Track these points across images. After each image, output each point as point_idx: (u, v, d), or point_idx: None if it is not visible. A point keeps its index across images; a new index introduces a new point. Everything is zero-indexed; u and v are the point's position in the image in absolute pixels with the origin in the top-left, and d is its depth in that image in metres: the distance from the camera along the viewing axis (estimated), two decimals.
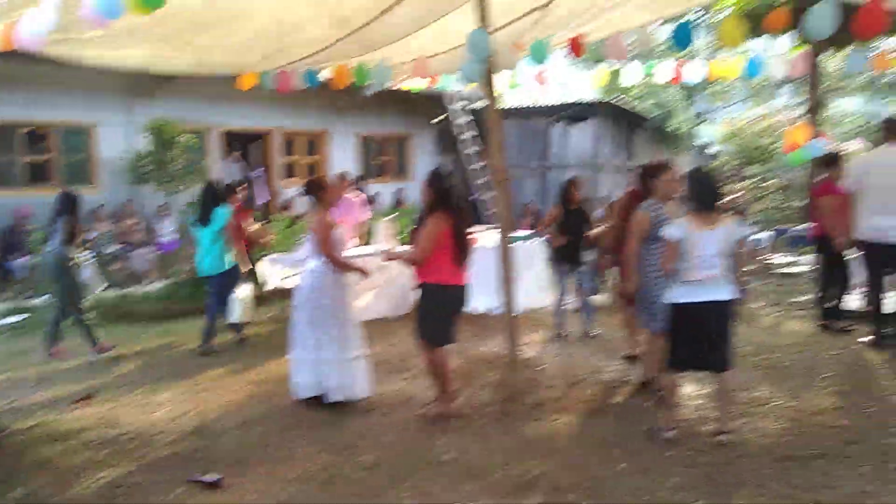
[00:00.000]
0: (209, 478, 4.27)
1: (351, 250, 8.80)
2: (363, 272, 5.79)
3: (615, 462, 4.42)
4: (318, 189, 5.80)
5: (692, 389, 5.86)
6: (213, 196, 7.78)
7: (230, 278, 7.78)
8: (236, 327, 7.97)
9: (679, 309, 4.73)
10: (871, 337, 7.03)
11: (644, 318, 5.64)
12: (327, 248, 5.53)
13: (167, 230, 13.13)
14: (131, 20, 5.52)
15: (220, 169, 14.49)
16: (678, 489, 4.01)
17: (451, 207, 5.23)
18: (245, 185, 9.74)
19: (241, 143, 15.58)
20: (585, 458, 4.51)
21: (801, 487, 3.99)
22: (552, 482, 4.15)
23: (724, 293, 4.66)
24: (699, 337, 4.69)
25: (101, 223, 12.37)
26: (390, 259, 5.88)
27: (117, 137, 13.10)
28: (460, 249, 5.23)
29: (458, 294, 5.31)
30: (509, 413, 5.39)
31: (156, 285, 11.42)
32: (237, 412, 5.63)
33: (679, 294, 4.72)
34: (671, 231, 4.68)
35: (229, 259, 7.77)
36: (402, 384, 6.26)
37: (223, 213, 7.68)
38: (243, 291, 7.89)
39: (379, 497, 4.03)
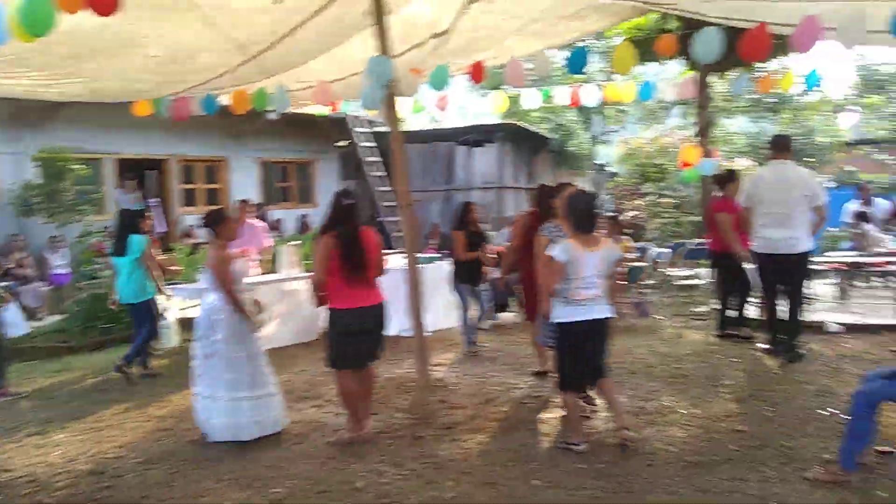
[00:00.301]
0: None
1: (255, 278, 8.62)
2: (251, 317, 5.51)
3: (529, 477, 4.43)
4: (217, 222, 5.59)
5: (602, 402, 5.96)
6: (128, 225, 7.68)
7: (154, 306, 7.74)
8: (144, 361, 7.78)
9: (564, 328, 4.87)
10: (767, 345, 7.32)
11: (549, 336, 5.64)
12: (225, 284, 5.38)
13: (59, 263, 12.56)
14: (16, 46, 5.30)
15: (116, 198, 14.01)
16: (592, 501, 4.05)
17: (339, 229, 5.15)
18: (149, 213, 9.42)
19: (138, 172, 15.08)
20: (500, 475, 4.50)
21: (709, 492, 4.09)
22: (468, 502, 4.13)
23: (603, 312, 4.86)
24: (583, 354, 4.89)
25: None
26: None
27: (4, 167, 12.47)
28: (350, 270, 5.10)
29: (356, 317, 5.18)
30: (422, 436, 5.34)
31: (50, 320, 10.91)
32: (138, 450, 5.37)
33: (564, 314, 4.85)
34: (558, 253, 4.77)
35: (151, 287, 7.66)
36: (311, 412, 6.13)
37: (139, 241, 7.57)
38: (172, 316, 7.90)
39: None
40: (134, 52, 6.44)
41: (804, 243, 6.91)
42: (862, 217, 10.94)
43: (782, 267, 6.98)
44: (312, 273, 5.30)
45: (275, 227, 16.09)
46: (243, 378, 5.36)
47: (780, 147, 7.24)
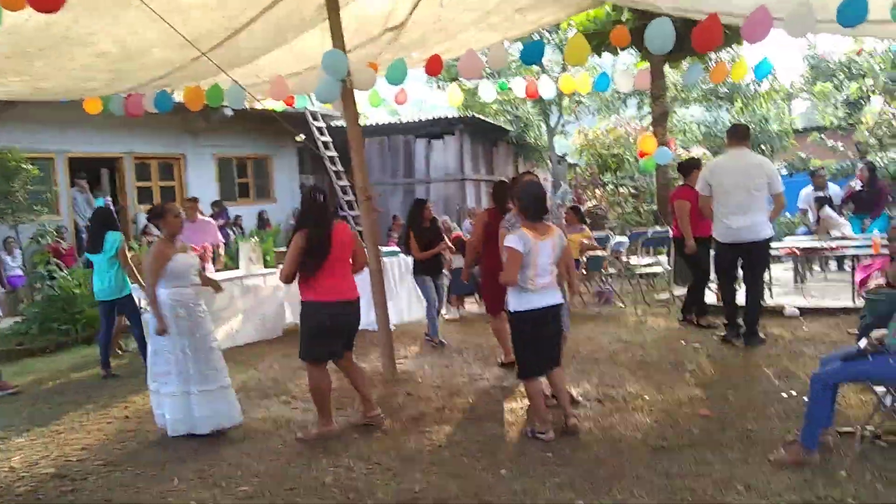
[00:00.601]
0: None
1: (216, 275, 8.52)
2: (158, 321, 5.37)
3: (497, 467, 4.45)
4: (157, 216, 5.66)
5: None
6: (104, 222, 7.69)
7: (131, 301, 7.73)
8: (106, 365, 7.73)
9: (523, 316, 4.90)
10: (726, 332, 7.42)
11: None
12: (147, 278, 5.39)
13: (14, 265, 12.28)
14: None
15: (70, 197, 13.77)
16: (560, 488, 4.08)
17: (309, 225, 5.12)
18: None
19: (92, 170, 14.81)
20: (468, 466, 4.51)
21: (675, 476, 4.15)
22: (437, 494, 4.13)
23: (557, 298, 4.95)
24: (542, 341, 4.95)
25: None
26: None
27: None
28: (311, 265, 5.08)
29: (329, 310, 5.17)
30: (390, 429, 5.34)
31: (6, 323, 10.67)
32: (101, 452, 5.28)
33: (521, 302, 4.88)
34: (515, 243, 4.79)
35: (128, 284, 7.68)
36: (277, 408, 6.08)
37: (115, 238, 7.55)
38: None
39: None
40: (83, 49, 6.32)
41: (766, 230, 7.03)
42: (824, 201, 11.17)
43: (745, 254, 7.09)
44: (284, 268, 5.18)
45: (235, 223, 15.93)
46: (190, 372, 5.35)
47: (739, 135, 7.31)
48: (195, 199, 10.20)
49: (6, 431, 5.93)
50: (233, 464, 4.83)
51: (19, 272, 12.15)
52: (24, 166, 11.02)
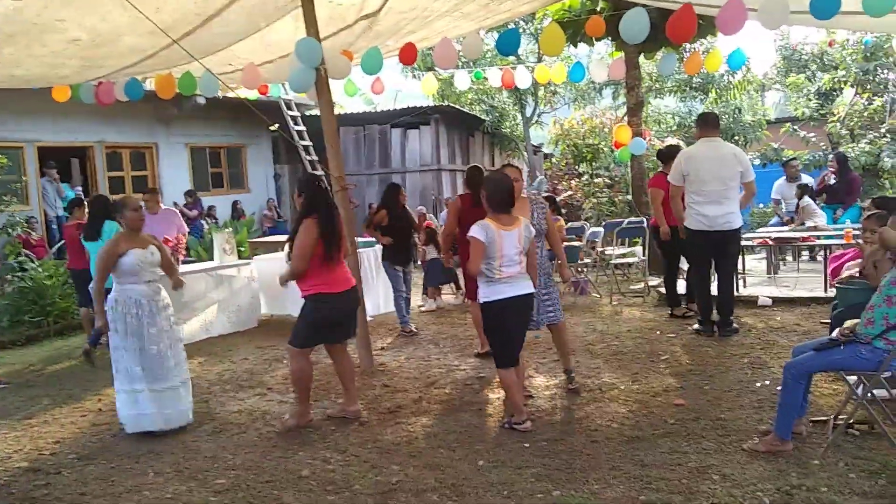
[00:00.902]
0: None
1: (189, 266, 8.45)
2: (98, 318, 5.38)
3: (475, 458, 4.46)
4: (116, 210, 5.55)
5: (543, 381, 6.05)
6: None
7: None
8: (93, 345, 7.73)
9: (493, 306, 4.89)
10: (699, 323, 7.44)
11: (555, 311, 5.74)
12: (97, 272, 5.32)
13: None
14: None
15: (40, 188, 13.56)
16: (537, 479, 4.09)
17: (318, 213, 5.08)
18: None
19: (63, 160, 14.60)
20: (445, 457, 4.51)
21: (651, 465, 4.18)
22: (414, 485, 4.12)
23: (526, 287, 4.93)
24: (513, 331, 4.97)
25: None
26: (285, 282, 5.39)
27: None
28: (328, 254, 5.07)
29: (347, 300, 5.24)
30: (367, 421, 5.33)
31: None
32: (75, 445, 5.22)
33: (490, 293, 4.88)
34: (477, 233, 4.79)
35: None
36: (252, 401, 6.04)
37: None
38: None
39: None
40: (53, 36, 6.22)
41: (738, 219, 7.08)
42: (805, 191, 11.28)
43: (718, 244, 7.09)
44: (296, 259, 5.03)
45: (209, 214, 15.79)
46: (137, 371, 5.21)
47: (710, 124, 7.30)
48: (154, 190, 10.00)
49: None
50: (209, 457, 4.79)
51: None
52: None
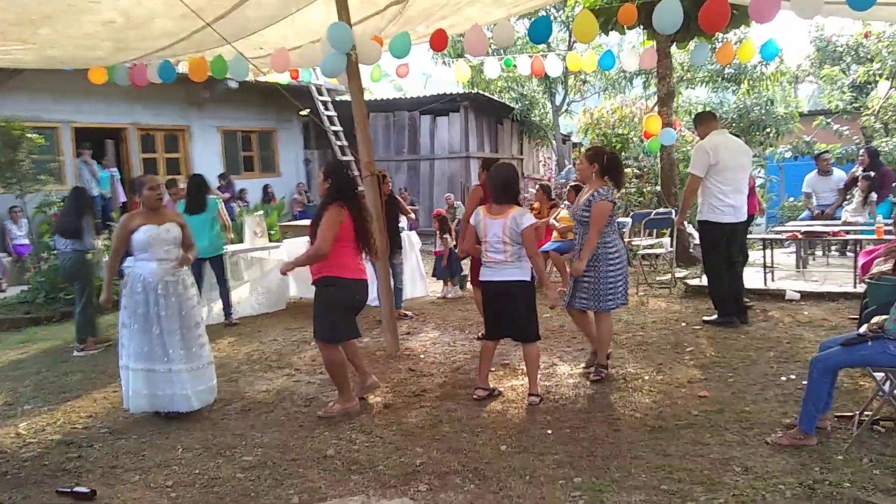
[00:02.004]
0: (81, 489, 4.03)
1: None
2: (107, 295, 5.44)
3: (498, 443, 4.51)
4: (133, 189, 5.63)
5: (567, 369, 6.08)
6: (202, 186, 8.32)
7: (222, 261, 8.50)
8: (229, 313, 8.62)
9: (482, 285, 5.38)
10: (714, 316, 7.47)
11: (591, 300, 5.69)
12: (113, 246, 5.38)
13: (20, 234, 12.36)
14: None
15: (76, 168, 13.78)
16: (559, 465, 4.13)
17: (348, 199, 5.10)
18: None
19: (97, 141, 14.81)
20: (469, 441, 4.56)
21: (673, 456, 4.19)
22: (437, 468, 4.18)
23: (507, 275, 5.15)
24: (494, 310, 5.31)
25: None
26: (288, 270, 5.41)
27: None
28: (362, 242, 5.14)
29: (359, 288, 5.22)
30: (392, 403, 5.40)
31: (12, 291, 10.80)
32: (107, 419, 5.36)
33: (480, 273, 5.36)
34: (472, 217, 5.34)
35: (223, 244, 8.55)
36: (280, 381, 6.14)
37: (215, 202, 8.33)
38: None
39: (263, 497, 3.93)
40: (88, 18, 6.31)
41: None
42: (855, 183, 11.18)
43: (733, 233, 7.21)
44: (320, 242, 4.98)
45: (240, 197, 15.95)
46: (143, 350, 5.19)
47: (714, 118, 7.56)
48: (175, 181, 10.10)
49: (13, 398, 6.03)
50: (237, 434, 4.89)
51: (25, 241, 12.21)
52: (28, 135, 11.00)
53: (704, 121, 7.47)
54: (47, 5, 5.93)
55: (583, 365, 6.06)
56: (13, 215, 12.30)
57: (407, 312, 8.58)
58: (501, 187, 5.15)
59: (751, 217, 7.71)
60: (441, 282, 10.20)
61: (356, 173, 7.98)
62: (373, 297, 7.86)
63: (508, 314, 5.25)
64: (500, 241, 5.09)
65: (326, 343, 5.18)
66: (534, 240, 5.15)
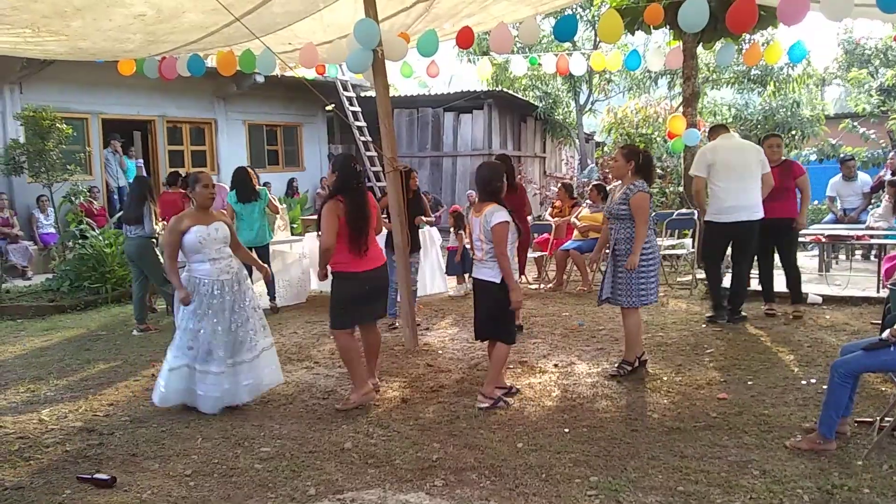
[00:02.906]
0: (101, 476, 4.10)
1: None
2: (179, 291, 5.17)
3: (515, 441, 4.52)
4: (187, 185, 5.49)
5: (585, 369, 6.08)
6: (249, 177, 8.64)
7: (268, 251, 8.67)
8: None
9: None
10: (713, 314, 7.62)
11: (623, 295, 5.71)
12: (165, 250, 5.23)
13: (46, 223, 12.55)
14: None
15: (103, 158, 13.98)
16: (575, 464, 4.14)
17: (346, 193, 5.17)
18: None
19: (125, 132, 15.02)
20: (486, 438, 4.58)
21: (690, 457, 4.18)
22: (454, 463, 4.20)
23: (482, 274, 5.19)
24: (475, 307, 5.37)
25: None
26: (324, 277, 5.42)
27: None
28: (355, 234, 5.17)
29: (366, 278, 5.26)
30: (409, 399, 5.43)
31: (38, 279, 10.98)
32: (128, 408, 5.44)
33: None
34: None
35: (270, 234, 8.83)
36: (299, 374, 6.19)
37: (265, 192, 8.63)
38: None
39: (280, 488, 3.97)
40: (119, 11, 6.38)
41: (761, 211, 7.17)
42: (882, 186, 11.08)
43: (742, 233, 7.20)
44: (322, 239, 5.17)
45: None
46: (198, 352, 5.17)
47: (723, 127, 7.69)
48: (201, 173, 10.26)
49: (36, 384, 6.12)
50: (256, 425, 4.94)
51: (52, 230, 12.39)
52: (58, 125, 11.16)
53: (713, 131, 7.73)
54: None
55: (609, 375, 5.88)
56: (41, 204, 12.47)
57: (396, 324, 7.99)
58: (481, 186, 5.16)
59: (786, 220, 7.46)
60: (455, 278, 10.17)
61: (373, 168, 7.98)
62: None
63: (478, 311, 5.32)
64: (478, 239, 5.14)
65: (336, 330, 5.35)
66: (502, 238, 4.96)
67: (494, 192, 5.11)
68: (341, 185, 5.21)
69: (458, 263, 9.89)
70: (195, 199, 5.31)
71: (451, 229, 10.08)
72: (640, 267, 5.58)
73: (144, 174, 14.39)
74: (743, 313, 7.51)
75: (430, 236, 9.69)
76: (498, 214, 4.99)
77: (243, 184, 8.51)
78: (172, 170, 12.06)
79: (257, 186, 8.73)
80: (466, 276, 9.93)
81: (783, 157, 7.77)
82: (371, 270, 5.29)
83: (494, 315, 5.18)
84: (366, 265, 5.25)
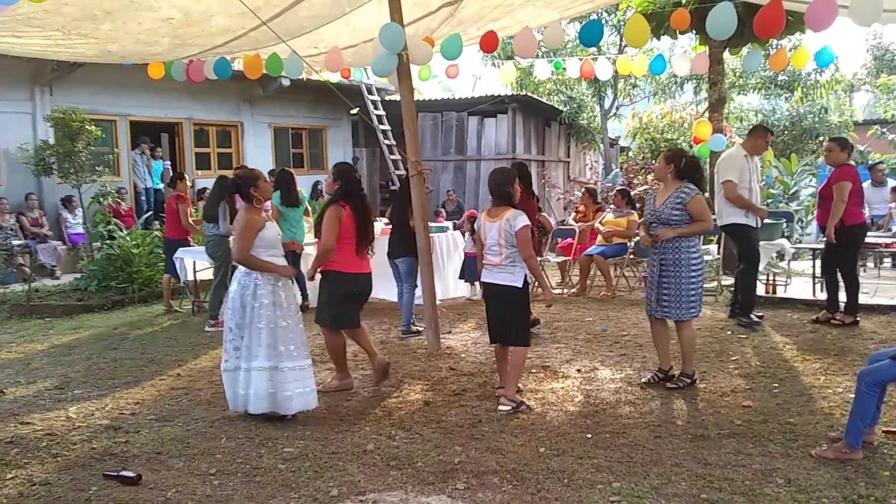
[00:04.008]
0: (127, 474, 4.15)
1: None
2: (283, 272, 5.12)
3: (537, 445, 4.51)
4: (248, 184, 5.12)
5: (608, 374, 6.06)
6: (293, 181, 8.71)
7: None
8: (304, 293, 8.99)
9: (482, 287, 5.62)
10: (746, 318, 7.73)
11: (672, 307, 5.54)
12: (240, 249, 4.99)
13: (75, 223, 12.73)
14: (28, 6, 5.32)
15: (131, 160, 14.15)
16: (597, 469, 4.12)
17: (350, 199, 5.50)
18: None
19: (152, 134, 15.20)
20: (508, 442, 4.58)
21: (714, 465, 4.15)
22: (475, 467, 4.20)
23: (500, 279, 5.23)
24: (488, 312, 5.45)
25: (4, 216, 11.86)
26: (313, 275, 5.63)
27: (18, 127, 12.54)
28: (363, 237, 5.56)
29: (357, 281, 5.63)
30: (431, 402, 5.44)
31: (66, 278, 11.15)
32: (154, 407, 5.50)
33: (482, 275, 5.44)
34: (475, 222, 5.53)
35: (304, 235, 8.97)
36: (322, 375, 6.19)
37: (305, 197, 9.03)
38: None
39: (303, 488, 3.99)
40: (148, 14, 6.47)
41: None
42: None
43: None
44: (323, 240, 5.47)
45: None
46: (246, 349, 5.01)
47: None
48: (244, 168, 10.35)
49: (64, 382, 6.21)
50: (279, 426, 4.97)
51: (80, 230, 12.56)
52: (87, 127, 11.32)
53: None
54: (109, 1, 6.09)
55: (643, 380, 5.78)
56: (69, 205, 12.65)
57: (420, 328, 7.81)
58: (494, 191, 5.27)
59: (842, 228, 7.31)
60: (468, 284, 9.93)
61: (397, 171, 8.01)
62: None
63: (497, 317, 5.36)
64: (497, 244, 5.17)
65: (328, 329, 5.67)
66: (528, 242, 5.10)
67: (507, 197, 5.23)
68: (345, 191, 5.55)
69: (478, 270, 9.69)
70: (261, 195, 5.14)
71: (468, 234, 9.90)
72: (692, 276, 5.43)
73: (172, 174, 14.57)
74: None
75: (452, 240, 9.70)
76: (521, 219, 5.09)
77: (289, 188, 8.56)
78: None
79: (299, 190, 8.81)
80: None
81: (845, 162, 7.47)
82: (365, 274, 5.68)
83: (515, 319, 5.25)
84: (362, 268, 5.64)
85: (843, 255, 7.50)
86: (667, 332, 5.81)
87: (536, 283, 6.78)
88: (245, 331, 5.02)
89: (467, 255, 9.54)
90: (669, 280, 5.49)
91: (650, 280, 5.70)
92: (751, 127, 8.42)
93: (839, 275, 7.61)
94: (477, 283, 9.83)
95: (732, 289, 8.17)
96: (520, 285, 5.16)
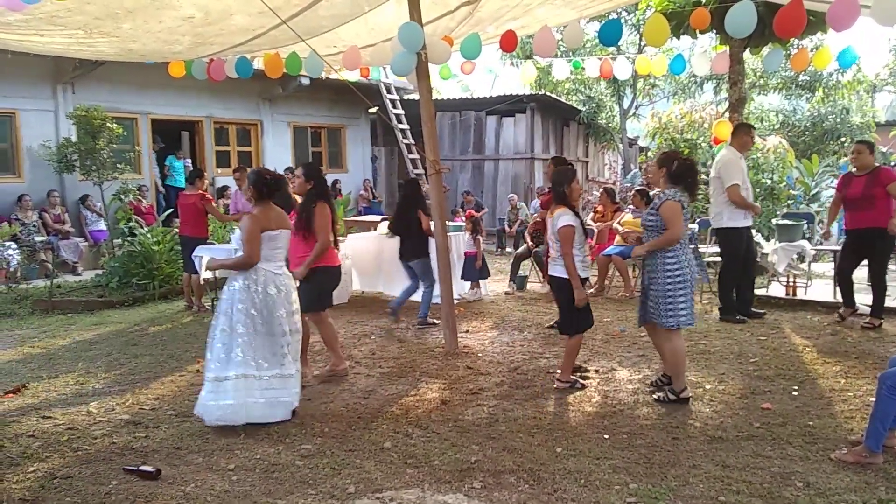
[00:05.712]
0: (146, 468, 4.19)
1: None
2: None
3: (554, 445, 4.51)
4: (263, 184, 5.12)
5: (626, 375, 6.04)
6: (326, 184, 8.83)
7: None
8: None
9: None
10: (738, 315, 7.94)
11: (654, 312, 5.40)
12: (246, 248, 4.95)
13: (96, 220, 12.85)
14: (50, 5, 5.38)
15: (152, 157, 14.29)
16: (614, 470, 4.11)
17: (325, 198, 5.95)
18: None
19: (173, 132, 15.33)
20: (524, 442, 4.58)
21: (732, 467, 4.13)
22: (492, 466, 4.21)
23: (555, 271, 5.64)
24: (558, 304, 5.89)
25: (27, 213, 12.00)
26: (301, 276, 5.79)
27: (41, 124, 12.68)
28: (335, 234, 6.11)
29: (340, 273, 6.28)
30: (448, 400, 5.45)
31: (87, 275, 11.27)
32: (174, 402, 5.55)
33: None
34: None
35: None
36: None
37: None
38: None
39: (320, 485, 4.02)
40: (169, 13, 6.52)
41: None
42: None
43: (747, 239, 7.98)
44: (321, 238, 5.83)
45: None
46: (259, 355, 4.97)
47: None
48: (244, 168, 10.28)
49: (85, 377, 6.27)
50: (297, 423, 5.00)
51: (102, 227, 12.68)
52: (108, 125, 11.42)
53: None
54: (132, 1, 6.15)
55: (649, 383, 5.77)
56: (87, 204, 12.79)
57: (435, 321, 7.98)
58: (552, 188, 5.77)
59: (874, 230, 7.24)
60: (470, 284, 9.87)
61: (415, 170, 8.02)
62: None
63: (559, 306, 5.84)
64: (551, 239, 5.64)
65: (315, 314, 6.00)
66: (567, 240, 5.39)
67: (560, 196, 5.60)
68: (321, 190, 5.97)
69: (477, 269, 9.56)
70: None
71: (469, 234, 9.76)
72: (668, 284, 5.22)
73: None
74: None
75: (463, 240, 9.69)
76: (564, 217, 5.43)
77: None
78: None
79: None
80: (482, 282, 9.89)
81: (875, 164, 7.45)
82: (339, 267, 6.23)
83: (566, 309, 5.65)
84: (338, 260, 6.19)
85: (883, 255, 7.49)
86: (658, 332, 5.74)
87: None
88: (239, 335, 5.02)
89: (467, 254, 9.53)
90: (652, 285, 5.36)
91: (642, 284, 5.63)
92: (735, 126, 8.48)
93: (870, 277, 7.64)
94: (478, 283, 9.85)
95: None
96: (567, 277, 5.49)
